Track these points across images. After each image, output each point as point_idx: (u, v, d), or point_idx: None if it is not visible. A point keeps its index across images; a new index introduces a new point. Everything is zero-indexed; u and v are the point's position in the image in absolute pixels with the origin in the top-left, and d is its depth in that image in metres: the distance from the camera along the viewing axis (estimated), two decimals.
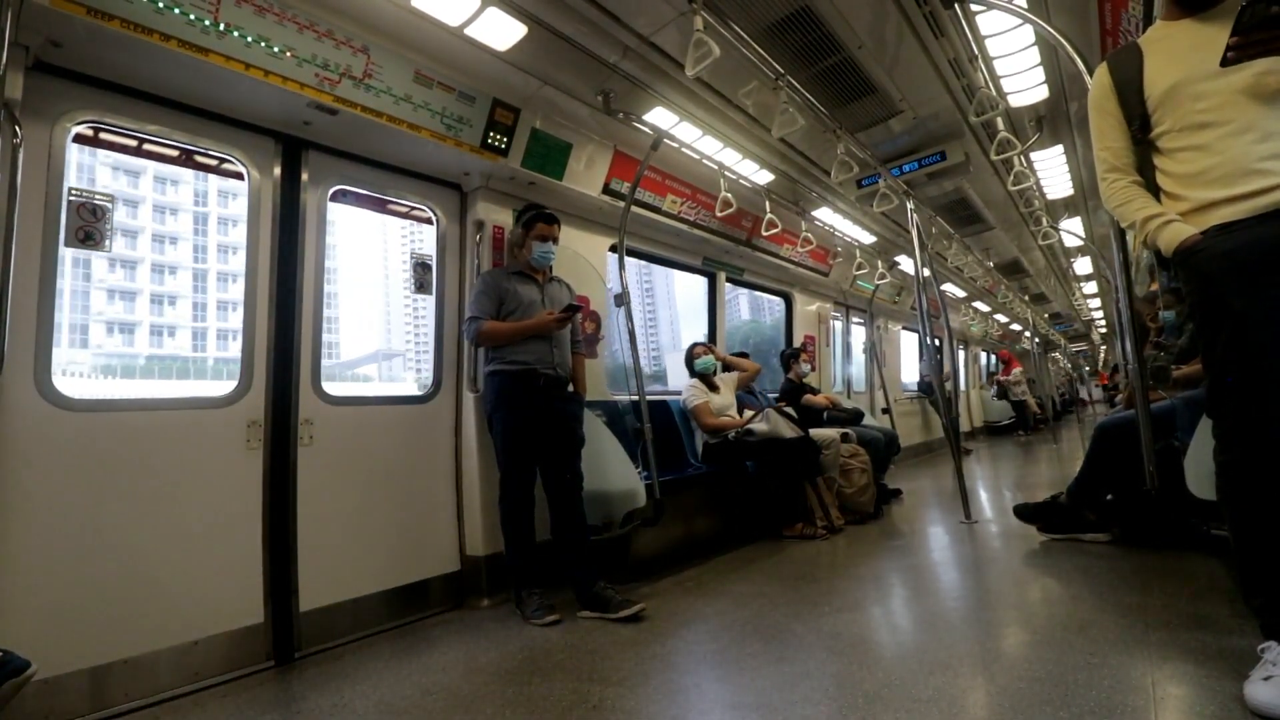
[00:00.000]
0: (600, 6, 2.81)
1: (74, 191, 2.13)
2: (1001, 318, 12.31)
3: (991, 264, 8.50)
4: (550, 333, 2.89)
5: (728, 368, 4.75)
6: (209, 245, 46.19)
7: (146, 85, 2.26)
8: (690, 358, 4.39)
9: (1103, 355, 20.56)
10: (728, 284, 5.43)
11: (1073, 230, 7.05)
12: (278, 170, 2.63)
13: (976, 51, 3.37)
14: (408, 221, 3.26)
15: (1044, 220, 6.25)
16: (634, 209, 3.72)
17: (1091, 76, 2.03)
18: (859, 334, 8.04)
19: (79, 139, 2.17)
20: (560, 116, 3.21)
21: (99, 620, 2.04)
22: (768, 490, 4.27)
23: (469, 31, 2.57)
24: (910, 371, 9.91)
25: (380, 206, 3.08)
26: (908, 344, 9.75)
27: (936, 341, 6.57)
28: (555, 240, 2.99)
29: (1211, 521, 3.02)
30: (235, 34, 2.17)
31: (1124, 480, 3.17)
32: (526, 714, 1.86)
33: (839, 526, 4.12)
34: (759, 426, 4.06)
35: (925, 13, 3.19)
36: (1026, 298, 11.70)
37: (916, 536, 4.02)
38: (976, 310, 10.79)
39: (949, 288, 8.57)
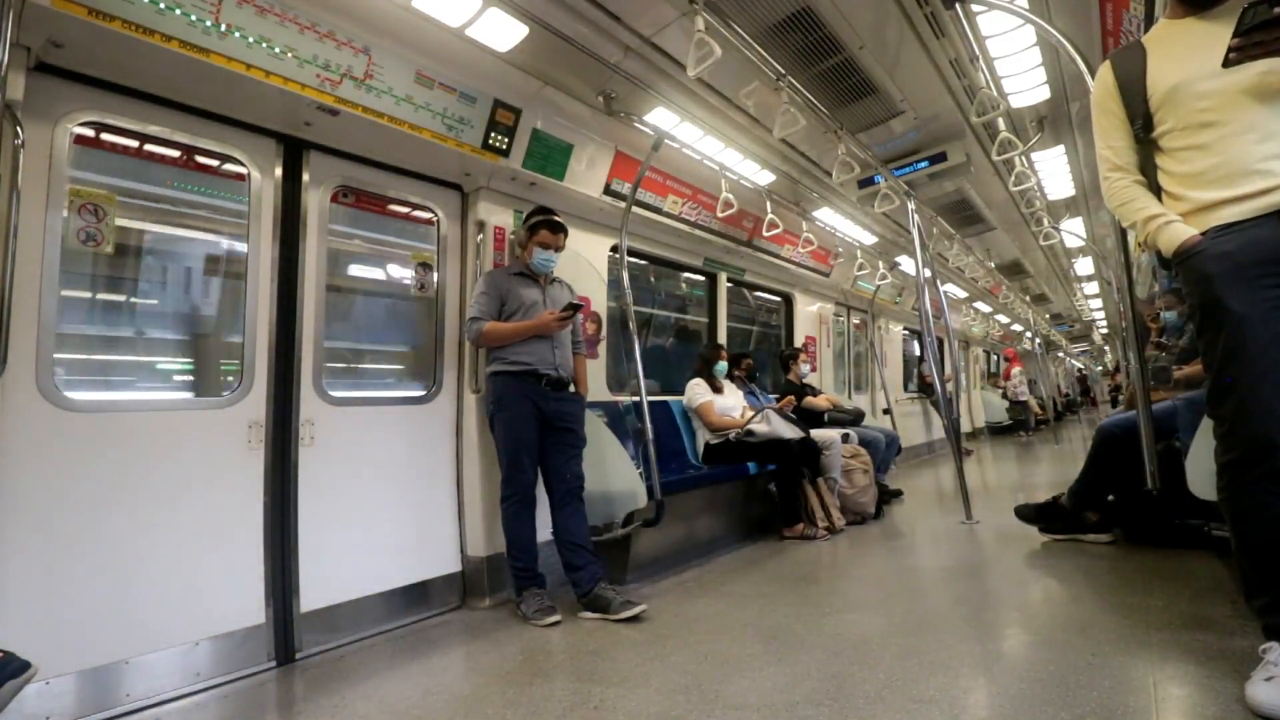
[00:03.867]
0: (602, 7, 2.81)
1: (75, 192, 2.13)
2: (1003, 318, 12.31)
3: (993, 264, 8.51)
4: (551, 333, 2.89)
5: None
6: None
7: (148, 86, 2.26)
8: (714, 358, 4.40)
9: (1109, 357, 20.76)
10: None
11: (1074, 231, 7.06)
12: (279, 171, 2.63)
13: (978, 52, 3.38)
14: None
15: (1045, 221, 6.26)
16: (635, 209, 3.72)
17: (1093, 77, 2.03)
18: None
19: (80, 139, 2.17)
20: (561, 117, 3.21)
21: (100, 621, 2.04)
22: (768, 491, 4.27)
23: (470, 32, 2.57)
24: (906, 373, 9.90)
25: (381, 207, 3.08)
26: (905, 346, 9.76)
27: (938, 342, 6.58)
28: (558, 249, 2.97)
29: (1212, 522, 3.01)
30: (236, 35, 2.17)
31: (1125, 481, 3.16)
32: (528, 714, 1.86)
33: (840, 527, 4.12)
34: (759, 427, 4.06)
35: (926, 13, 3.19)
36: (1028, 298, 11.71)
37: (917, 537, 4.01)
38: (977, 311, 10.79)
39: (950, 288, 8.57)
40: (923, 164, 4.77)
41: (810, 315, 6.65)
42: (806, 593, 2.88)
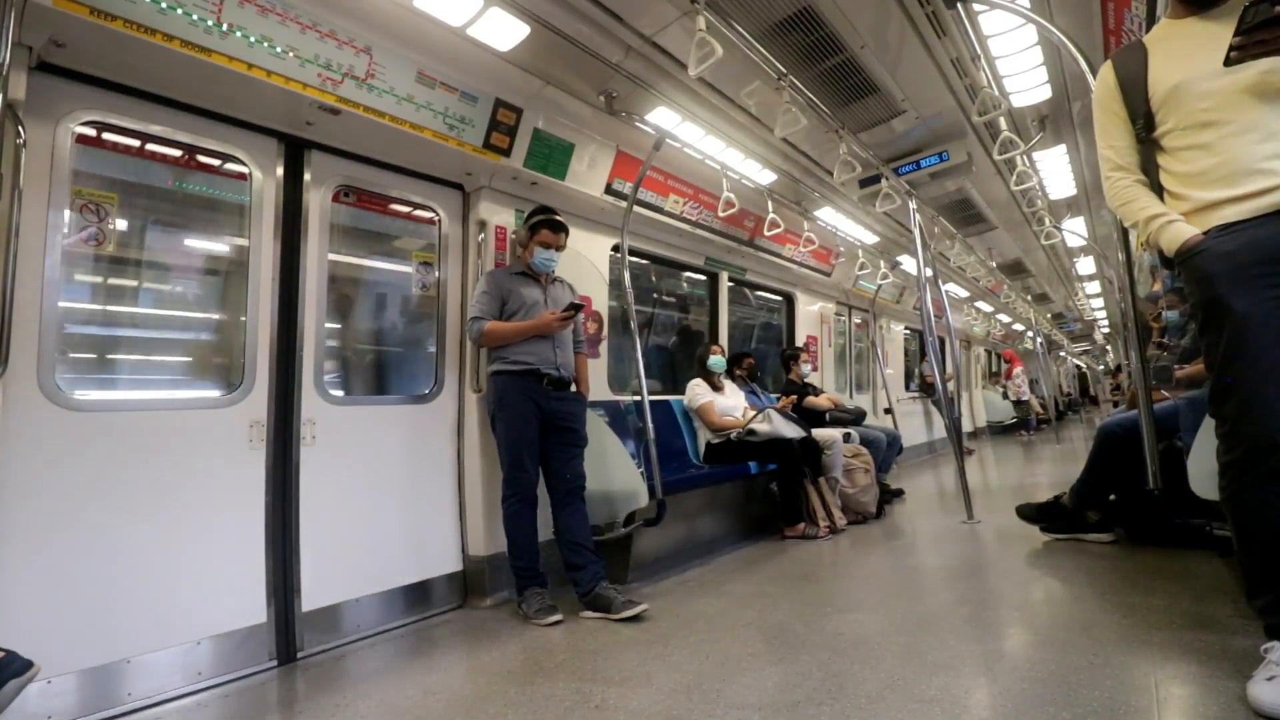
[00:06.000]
0: (603, 6, 2.81)
1: (77, 191, 2.14)
2: (1004, 318, 12.31)
3: (994, 264, 8.50)
4: (553, 333, 2.89)
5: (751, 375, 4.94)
6: None
7: (150, 85, 2.26)
8: (708, 356, 4.41)
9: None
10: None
11: (1075, 230, 7.05)
12: (280, 170, 2.63)
13: (979, 51, 3.37)
14: None
15: (1046, 220, 6.25)
16: (636, 209, 3.72)
17: (1094, 76, 2.03)
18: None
19: (81, 139, 2.17)
20: (563, 117, 3.21)
21: (101, 620, 2.04)
22: (769, 490, 4.27)
23: (471, 32, 2.57)
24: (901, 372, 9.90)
25: (383, 206, 3.08)
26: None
27: (940, 341, 6.58)
28: (559, 249, 2.97)
29: (1214, 521, 3.01)
30: (238, 34, 2.17)
31: (1127, 480, 3.16)
32: (529, 714, 1.86)
33: (841, 527, 4.12)
34: (761, 427, 4.06)
35: (928, 13, 3.19)
36: (1029, 298, 11.70)
37: (918, 537, 4.01)
38: (979, 310, 10.78)
39: (951, 288, 8.57)
40: (927, 162, 4.76)
41: (812, 315, 6.64)
42: (808, 592, 2.88)
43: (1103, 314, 15.11)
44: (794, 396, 5.01)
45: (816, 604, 2.69)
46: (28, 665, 1.59)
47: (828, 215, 5.45)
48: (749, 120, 3.86)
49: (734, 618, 2.58)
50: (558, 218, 2.97)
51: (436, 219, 3.21)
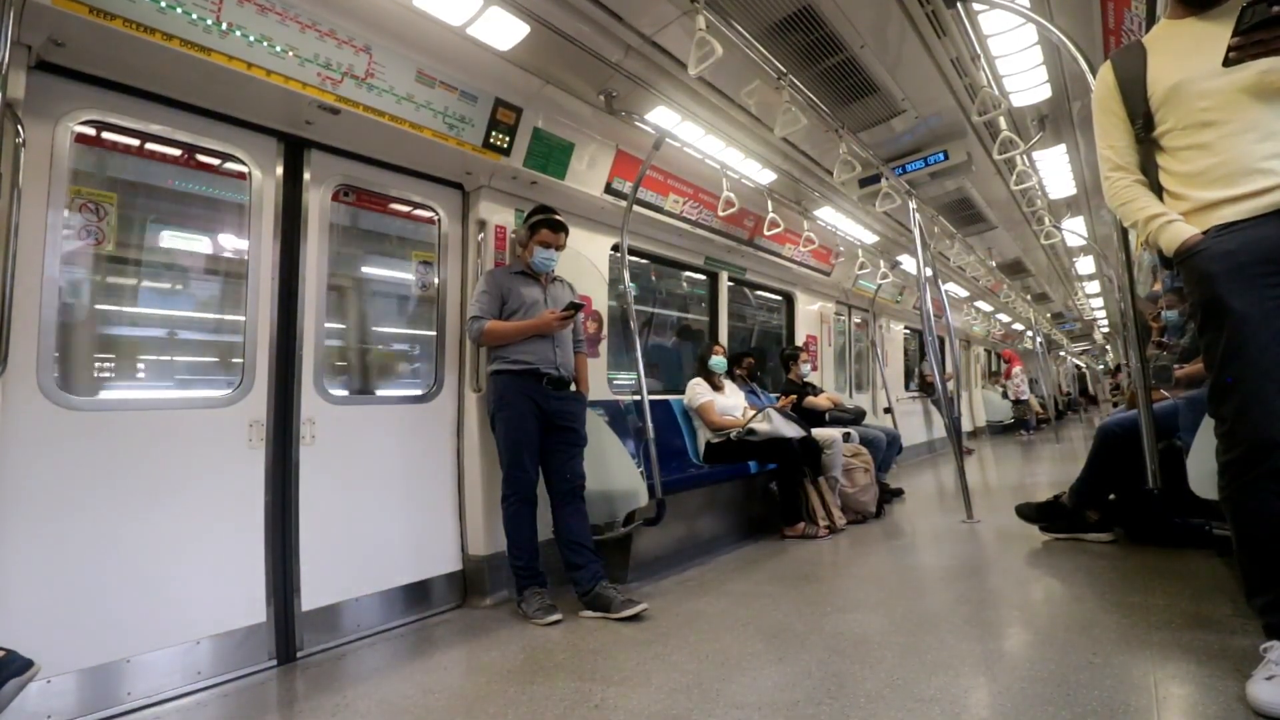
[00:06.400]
0: (603, 6, 2.81)
1: (76, 190, 2.13)
2: (1004, 317, 12.31)
3: (994, 264, 8.50)
4: (552, 332, 2.89)
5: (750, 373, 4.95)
6: None
7: (149, 84, 2.26)
8: (709, 355, 4.42)
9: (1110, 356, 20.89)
10: None
11: (1075, 230, 7.05)
12: (280, 169, 2.63)
13: (979, 51, 3.37)
14: None
15: (1046, 220, 6.26)
16: (636, 208, 3.72)
17: (1094, 76, 2.03)
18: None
19: (81, 138, 2.17)
20: (562, 116, 3.21)
21: (101, 619, 2.04)
22: (769, 490, 4.27)
23: (471, 31, 2.57)
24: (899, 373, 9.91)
25: (382, 206, 3.08)
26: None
27: (939, 341, 6.59)
28: (559, 248, 2.97)
29: (1213, 521, 3.01)
30: (237, 33, 2.17)
31: (1126, 480, 3.16)
32: (528, 713, 1.86)
33: (840, 526, 4.12)
34: (761, 426, 4.06)
35: (928, 12, 3.19)
36: (1029, 297, 11.70)
37: (918, 536, 4.01)
38: (979, 310, 10.78)
39: (951, 287, 8.57)
40: (927, 161, 4.76)
41: (811, 314, 6.64)
42: (807, 591, 2.88)
43: (1102, 314, 15.12)
44: (794, 396, 5.01)
45: (816, 603, 2.69)
46: (28, 664, 1.59)
47: (827, 215, 5.45)
48: (749, 120, 3.86)
49: (734, 617, 2.58)
50: (557, 217, 2.97)
51: (436, 218, 3.21)
